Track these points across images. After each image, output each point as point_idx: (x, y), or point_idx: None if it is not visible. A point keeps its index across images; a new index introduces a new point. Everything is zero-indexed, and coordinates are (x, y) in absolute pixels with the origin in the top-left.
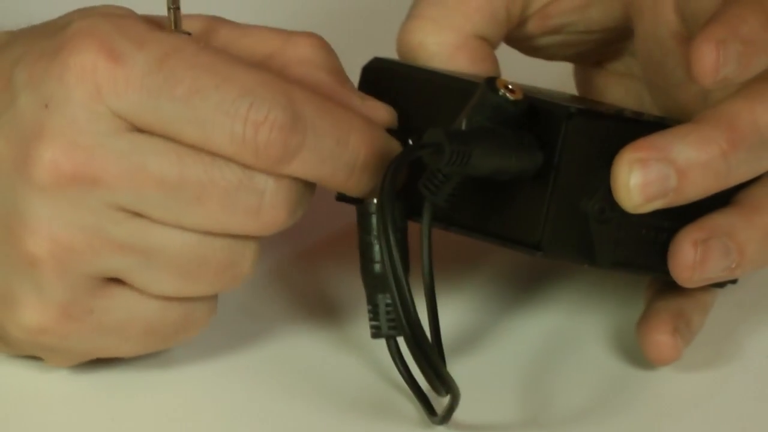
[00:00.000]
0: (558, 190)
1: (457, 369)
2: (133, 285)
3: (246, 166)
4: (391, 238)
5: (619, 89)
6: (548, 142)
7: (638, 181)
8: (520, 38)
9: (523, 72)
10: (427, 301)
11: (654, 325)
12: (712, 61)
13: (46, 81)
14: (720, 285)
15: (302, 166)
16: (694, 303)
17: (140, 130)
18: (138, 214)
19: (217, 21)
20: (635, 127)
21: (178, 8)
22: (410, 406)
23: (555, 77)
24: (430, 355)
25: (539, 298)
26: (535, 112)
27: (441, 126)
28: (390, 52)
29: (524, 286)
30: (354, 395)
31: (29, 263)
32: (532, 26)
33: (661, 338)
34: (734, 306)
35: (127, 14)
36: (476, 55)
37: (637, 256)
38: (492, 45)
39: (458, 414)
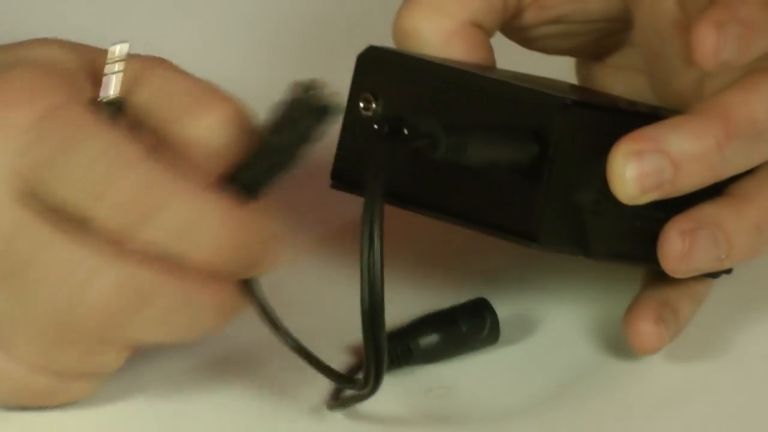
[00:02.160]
0: (553, 181)
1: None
2: None
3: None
4: (376, 232)
5: (622, 83)
6: (543, 132)
7: (634, 172)
8: (517, 29)
9: (525, 66)
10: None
11: (638, 314)
12: (712, 43)
13: None
14: (713, 275)
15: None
16: (682, 293)
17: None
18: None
19: (154, 64)
20: (630, 117)
21: (120, 72)
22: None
23: (557, 72)
24: (380, 339)
25: (528, 287)
26: (528, 102)
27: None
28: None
29: (517, 275)
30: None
31: None
32: (529, 16)
33: (643, 326)
34: (728, 299)
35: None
36: (471, 43)
37: (632, 247)
38: (488, 33)
39: (448, 406)
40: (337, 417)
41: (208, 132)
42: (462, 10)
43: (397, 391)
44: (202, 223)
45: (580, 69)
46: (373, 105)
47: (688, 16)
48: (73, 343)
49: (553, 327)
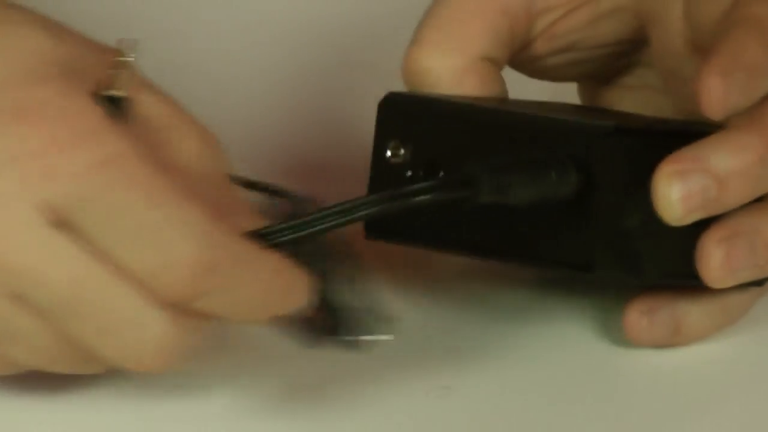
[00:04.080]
0: (601, 209)
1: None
2: None
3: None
4: None
5: (633, 103)
6: (586, 162)
7: (679, 194)
8: (526, 60)
9: (524, 87)
10: None
11: (633, 302)
12: (720, 94)
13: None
14: (758, 283)
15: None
16: (692, 301)
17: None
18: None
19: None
20: (669, 138)
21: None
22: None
23: (562, 95)
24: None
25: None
26: (567, 133)
27: (475, 159)
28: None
29: (516, 274)
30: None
31: None
32: (539, 46)
33: (629, 314)
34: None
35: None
36: (484, 78)
37: (684, 266)
38: (499, 67)
39: (448, 406)
40: (336, 414)
41: (193, 156)
42: (472, 46)
43: (397, 391)
44: (250, 288)
45: (584, 92)
46: (402, 151)
47: (698, 37)
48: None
49: (553, 327)
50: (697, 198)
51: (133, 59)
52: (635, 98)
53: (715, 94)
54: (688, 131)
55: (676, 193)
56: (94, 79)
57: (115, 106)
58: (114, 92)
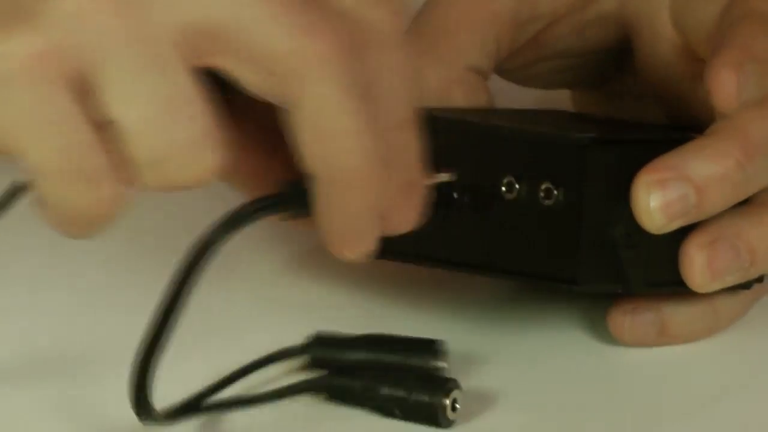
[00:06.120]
0: (585, 222)
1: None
2: None
3: None
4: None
5: (621, 110)
6: (567, 174)
7: (658, 202)
8: (512, 69)
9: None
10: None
11: (618, 302)
12: (733, 86)
13: None
14: (744, 286)
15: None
16: (678, 302)
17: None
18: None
19: None
20: (649, 146)
21: None
22: None
23: (546, 99)
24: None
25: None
26: (549, 145)
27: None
28: None
29: None
30: None
31: None
32: (526, 54)
33: (613, 314)
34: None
35: None
36: (471, 88)
37: (669, 274)
38: (485, 77)
39: None
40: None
41: None
42: (458, 57)
43: None
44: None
45: (576, 98)
46: None
47: (688, 41)
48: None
49: (554, 325)
50: (677, 206)
51: None
52: (624, 105)
53: (728, 87)
54: (669, 138)
55: (655, 201)
56: None
57: None
58: None
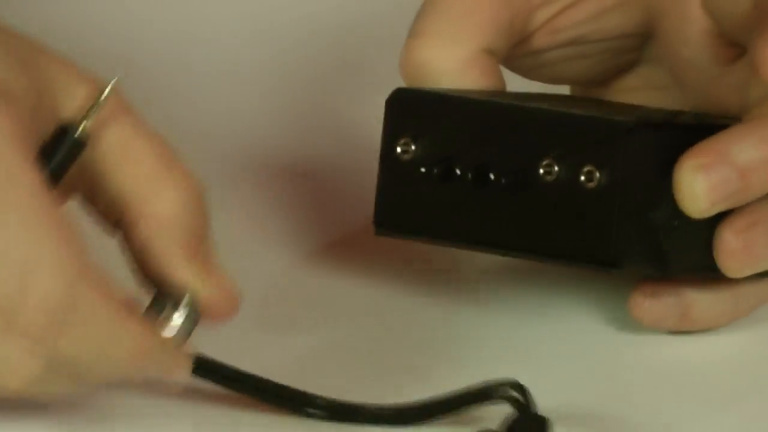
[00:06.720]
0: (625, 206)
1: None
2: None
3: None
4: None
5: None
6: (611, 157)
7: (702, 186)
8: (524, 56)
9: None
10: None
11: (639, 286)
12: None
13: None
14: (767, 274)
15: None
16: (701, 286)
17: None
18: None
19: (122, 111)
20: (689, 131)
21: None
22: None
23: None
24: None
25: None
26: (588, 130)
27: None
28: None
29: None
30: None
31: None
32: (539, 41)
33: (634, 297)
34: None
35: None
36: (486, 70)
37: (707, 258)
38: (498, 59)
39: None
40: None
41: (177, 207)
42: (473, 38)
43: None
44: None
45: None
46: (412, 148)
47: (719, 26)
48: None
49: (557, 322)
50: (721, 190)
51: (107, 94)
52: (634, 99)
53: None
54: (705, 124)
55: (699, 185)
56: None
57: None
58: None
